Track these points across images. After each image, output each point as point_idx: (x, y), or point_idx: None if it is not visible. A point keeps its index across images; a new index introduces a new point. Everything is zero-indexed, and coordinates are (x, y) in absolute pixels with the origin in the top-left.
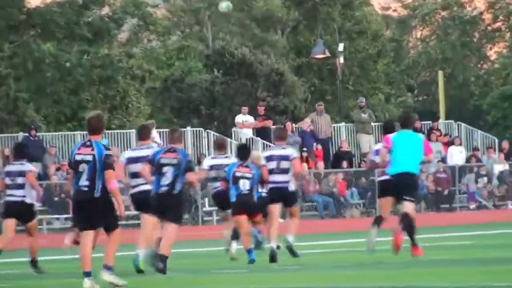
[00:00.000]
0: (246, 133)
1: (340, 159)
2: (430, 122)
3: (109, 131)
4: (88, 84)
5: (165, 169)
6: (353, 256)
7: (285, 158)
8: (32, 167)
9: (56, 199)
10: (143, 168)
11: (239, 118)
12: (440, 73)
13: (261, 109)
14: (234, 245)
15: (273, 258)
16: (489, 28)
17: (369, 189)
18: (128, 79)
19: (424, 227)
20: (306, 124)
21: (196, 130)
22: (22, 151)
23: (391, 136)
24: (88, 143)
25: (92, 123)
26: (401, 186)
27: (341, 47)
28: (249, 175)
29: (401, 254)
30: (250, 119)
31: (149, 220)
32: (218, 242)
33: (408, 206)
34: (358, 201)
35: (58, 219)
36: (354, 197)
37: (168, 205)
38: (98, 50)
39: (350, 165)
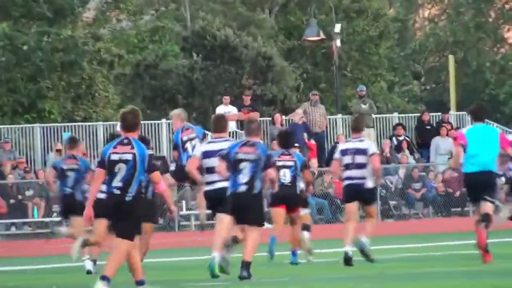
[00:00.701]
0: (229, 126)
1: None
2: (439, 114)
3: (73, 124)
4: (49, 70)
5: (242, 165)
6: (351, 267)
7: (362, 152)
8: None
9: (12, 201)
10: (219, 165)
11: (221, 109)
12: (451, 58)
13: (246, 99)
14: (306, 235)
15: (347, 262)
16: (506, 6)
17: None
18: (94, 64)
19: (433, 234)
20: (297, 116)
21: (172, 123)
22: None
23: (464, 131)
24: (125, 141)
25: (128, 119)
26: (480, 185)
27: (337, 28)
28: (290, 163)
29: (406, 264)
30: (233, 110)
31: (224, 220)
32: (196, 250)
33: (488, 207)
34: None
35: (14, 224)
36: None
37: (248, 206)
38: (60, 31)
39: None
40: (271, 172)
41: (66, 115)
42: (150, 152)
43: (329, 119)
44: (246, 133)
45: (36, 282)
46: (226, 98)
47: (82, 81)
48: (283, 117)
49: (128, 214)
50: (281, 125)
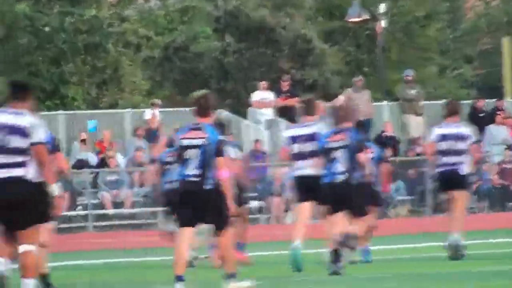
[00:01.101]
0: (265, 113)
1: (382, 145)
2: (494, 100)
3: (98, 111)
4: (72, 53)
5: (335, 154)
6: (398, 265)
7: (461, 138)
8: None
9: None
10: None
11: (257, 95)
12: (506, 40)
13: (284, 84)
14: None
15: (456, 255)
16: None
17: (419, 182)
18: (120, 47)
19: (488, 230)
20: (339, 103)
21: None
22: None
23: None
24: (197, 126)
25: (202, 103)
26: None
27: (382, 8)
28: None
29: (458, 263)
30: (270, 96)
31: (305, 208)
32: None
33: None
34: (405, 197)
35: None
36: (400, 192)
37: (347, 197)
38: (84, 11)
39: (395, 153)
40: (361, 156)
41: (90, 102)
42: (222, 137)
43: (374, 106)
44: (335, 120)
45: (60, 278)
46: (264, 84)
47: (107, 65)
48: (325, 103)
49: (213, 203)
50: (323, 112)
